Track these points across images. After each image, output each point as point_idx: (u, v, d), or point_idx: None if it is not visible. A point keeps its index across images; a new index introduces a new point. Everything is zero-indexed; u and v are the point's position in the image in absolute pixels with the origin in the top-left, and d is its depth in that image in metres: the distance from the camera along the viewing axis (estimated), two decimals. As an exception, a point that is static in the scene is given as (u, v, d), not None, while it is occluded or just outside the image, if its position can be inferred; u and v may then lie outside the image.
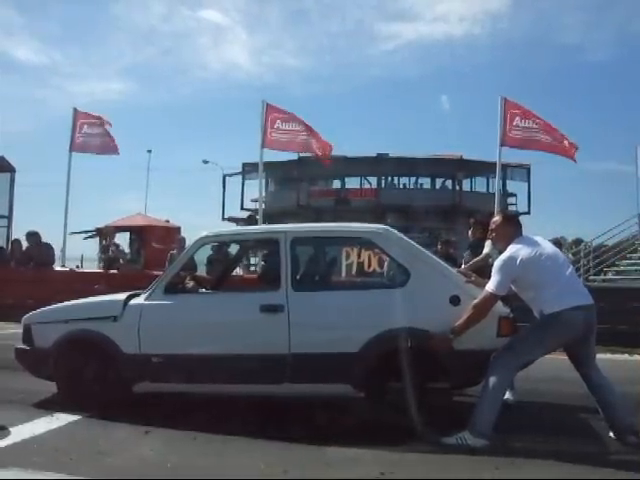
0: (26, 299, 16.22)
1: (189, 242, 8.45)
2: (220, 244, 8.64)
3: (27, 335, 7.91)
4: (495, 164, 41.73)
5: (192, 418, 7.01)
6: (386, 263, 7.92)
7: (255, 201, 46.85)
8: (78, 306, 8.05)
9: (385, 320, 7.05)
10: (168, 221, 30.14)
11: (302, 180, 44.05)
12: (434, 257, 7.66)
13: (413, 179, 47.56)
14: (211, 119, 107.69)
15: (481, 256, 8.63)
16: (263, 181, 18.26)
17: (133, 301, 7.66)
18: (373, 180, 46.99)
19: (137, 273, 16.91)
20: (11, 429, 6.58)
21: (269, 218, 41.41)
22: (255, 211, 45.35)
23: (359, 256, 7.68)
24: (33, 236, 17.76)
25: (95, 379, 7.50)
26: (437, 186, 47.42)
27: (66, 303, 8.17)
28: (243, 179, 44.70)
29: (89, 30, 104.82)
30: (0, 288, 16.78)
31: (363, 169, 46.11)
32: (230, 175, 43.76)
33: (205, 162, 46.19)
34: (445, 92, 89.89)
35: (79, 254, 30.63)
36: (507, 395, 7.52)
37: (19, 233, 20.84)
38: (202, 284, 8.19)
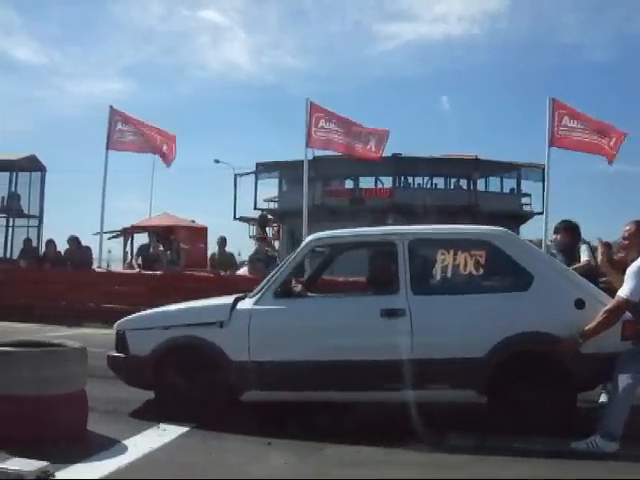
0: (61, 300, 16.29)
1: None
2: (331, 247, 8.18)
3: (121, 342, 7.48)
4: (509, 164, 41.87)
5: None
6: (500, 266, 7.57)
7: (268, 201, 46.69)
8: (179, 311, 7.67)
9: (511, 324, 6.84)
10: (194, 221, 29.80)
11: (316, 180, 43.67)
12: (556, 260, 7.44)
13: (427, 179, 47.26)
14: (212, 119, 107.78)
15: (582, 263, 8.38)
16: (306, 181, 17.64)
17: (240, 305, 7.29)
18: (387, 180, 46.73)
19: (179, 274, 16.58)
20: (124, 442, 6.20)
21: (282, 218, 41.21)
22: (268, 211, 45.27)
23: (477, 259, 7.34)
24: (74, 240, 17.62)
25: (200, 388, 7.11)
26: (451, 186, 47.28)
27: (164, 308, 7.82)
28: (256, 178, 44.36)
29: (88, 30, 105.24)
30: (36, 289, 16.48)
31: (377, 169, 45.82)
32: (241, 175, 43.24)
33: (217, 161, 45.83)
34: (444, 92, 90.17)
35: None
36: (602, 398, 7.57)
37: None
38: (307, 288, 7.80)
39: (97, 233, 19.32)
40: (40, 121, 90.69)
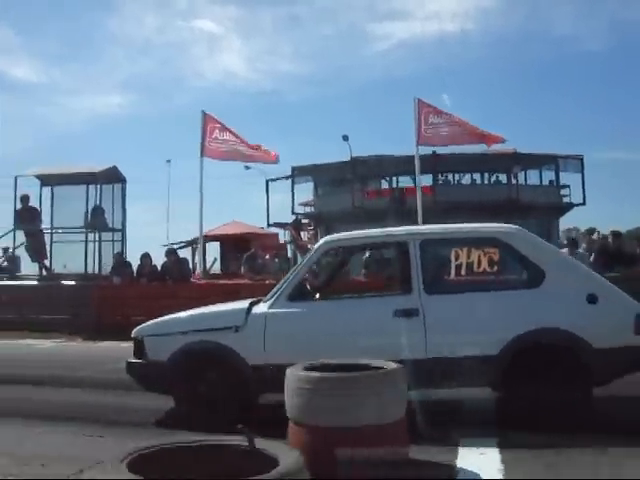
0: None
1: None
2: (344, 249, 8.24)
3: (139, 348, 7.60)
4: (548, 156, 41.49)
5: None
6: (511, 263, 7.63)
7: (304, 205, 46.63)
8: (195, 317, 7.77)
9: (524, 321, 6.88)
10: (263, 228, 29.55)
11: (354, 181, 43.54)
12: (568, 256, 7.44)
13: (466, 176, 46.90)
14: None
15: None
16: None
17: (255, 309, 7.39)
18: (425, 178, 46.47)
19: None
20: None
21: (318, 221, 41.13)
22: (304, 215, 45.25)
23: (488, 257, 7.42)
24: (173, 253, 17.82)
25: (217, 392, 7.20)
26: (488, 182, 46.82)
27: (181, 313, 7.90)
28: (293, 183, 44.29)
29: (85, 46, 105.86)
30: (135, 305, 15.57)
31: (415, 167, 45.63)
32: (274, 180, 43.11)
33: (247, 168, 45.91)
34: (442, 89, 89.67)
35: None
36: None
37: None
38: (322, 290, 7.86)
39: (169, 245, 19.03)
40: (41, 138, 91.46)
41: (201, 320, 7.61)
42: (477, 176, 47.77)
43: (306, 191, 46.45)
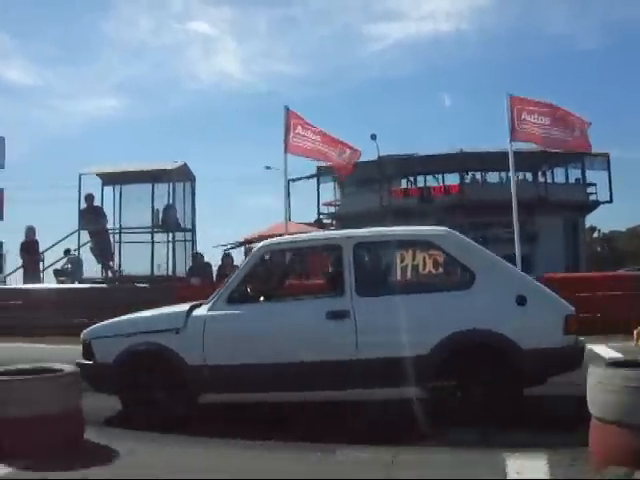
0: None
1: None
2: (281, 252, 8.47)
3: (87, 350, 7.82)
4: (574, 153, 41.18)
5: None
6: (444, 265, 7.78)
7: (328, 205, 46.66)
8: (140, 319, 7.99)
9: (454, 322, 7.03)
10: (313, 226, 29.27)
11: (381, 180, 43.51)
12: (499, 257, 7.55)
13: (494, 174, 46.60)
14: (211, 128, 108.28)
15: None
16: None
17: (196, 312, 7.62)
18: (451, 177, 46.31)
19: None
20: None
21: (343, 221, 41.00)
22: (328, 215, 45.34)
23: (421, 259, 7.66)
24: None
25: (159, 393, 7.42)
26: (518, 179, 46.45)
27: (127, 316, 8.14)
28: (318, 183, 44.45)
29: (80, 49, 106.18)
30: None
31: (443, 166, 45.48)
32: (295, 180, 42.89)
33: (267, 168, 45.87)
34: (439, 89, 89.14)
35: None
36: None
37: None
38: (262, 293, 8.07)
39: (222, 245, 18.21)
40: (36, 142, 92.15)
41: (145, 323, 7.83)
42: (502, 175, 47.22)
43: (327, 191, 46.30)
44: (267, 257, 8.17)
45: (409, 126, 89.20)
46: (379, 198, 42.49)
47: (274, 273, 8.84)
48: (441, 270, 7.82)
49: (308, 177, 43.01)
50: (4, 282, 20.17)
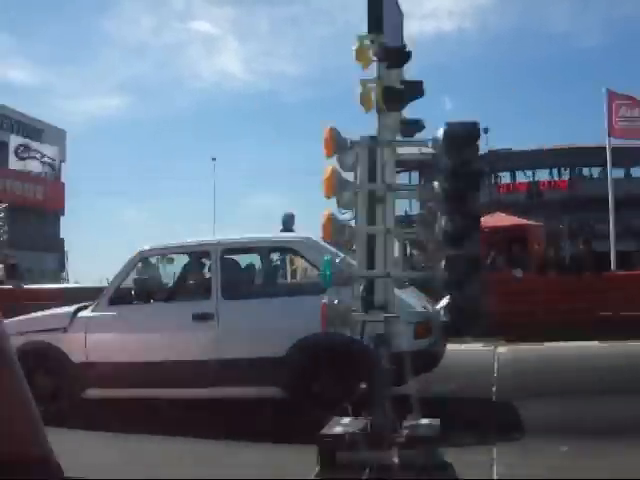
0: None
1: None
2: (158, 257, 8.94)
3: None
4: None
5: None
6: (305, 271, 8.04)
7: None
8: (33, 319, 8.55)
9: (308, 325, 7.19)
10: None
11: (490, 174, 42.95)
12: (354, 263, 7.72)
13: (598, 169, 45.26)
14: (211, 127, 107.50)
15: None
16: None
17: (81, 313, 8.18)
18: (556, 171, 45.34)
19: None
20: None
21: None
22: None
23: (284, 265, 8.05)
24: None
25: (47, 389, 7.82)
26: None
27: (25, 316, 8.62)
28: (420, 177, 44.28)
29: (82, 48, 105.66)
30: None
31: (552, 161, 44.57)
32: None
33: None
34: (440, 88, 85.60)
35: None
36: None
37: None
38: (142, 296, 8.51)
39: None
40: None
41: (38, 322, 8.41)
42: (620, 171, 45.66)
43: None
44: (145, 262, 8.64)
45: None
46: (487, 193, 41.87)
47: (153, 277, 9.27)
48: (299, 275, 8.03)
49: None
50: (67, 280, 21.11)
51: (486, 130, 39.84)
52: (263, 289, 8.05)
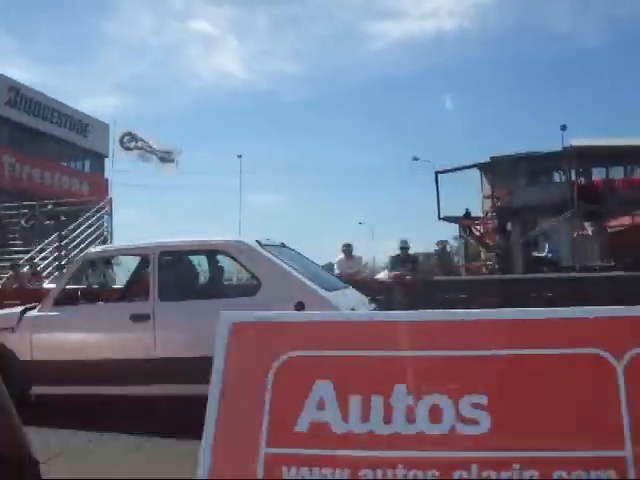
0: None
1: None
2: (102, 260, 9.16)
3: None
4: None
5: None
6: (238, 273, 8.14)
7: (488, 198, 45.28)
8: None
9: None
10: None
11: (566, 171, 41.89)
12: (285, 267, 7.84)
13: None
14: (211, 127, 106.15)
15: None
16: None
17: (28, 313, 8.44)
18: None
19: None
20: None
21: (517, 215, 39.63)
22: (498, 208, 44.23)
23: (218, 267, 8.26)
24: None
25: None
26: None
27: None
28: (482, 175, 43.50)
29: (81, 48, 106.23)
30: None
31: (627, 158, 43.39)
32: (443, 172, 41.43)
33: (415, 159, 45.19)
34: (440, 88, 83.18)
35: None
36: None
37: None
38: (85, 297, 8.68)
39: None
40: None
41: None
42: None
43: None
44: (88, 264, 8.82)
45: (409, 127, 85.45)
46: (560, 191, 40.76)
47: (97, 278, 9.46)
48: (232, 278, 8.14)
49: (458, 168, 41.60)
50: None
51: (564, 127, 39.38)
52: (197, 291, 8.21)
